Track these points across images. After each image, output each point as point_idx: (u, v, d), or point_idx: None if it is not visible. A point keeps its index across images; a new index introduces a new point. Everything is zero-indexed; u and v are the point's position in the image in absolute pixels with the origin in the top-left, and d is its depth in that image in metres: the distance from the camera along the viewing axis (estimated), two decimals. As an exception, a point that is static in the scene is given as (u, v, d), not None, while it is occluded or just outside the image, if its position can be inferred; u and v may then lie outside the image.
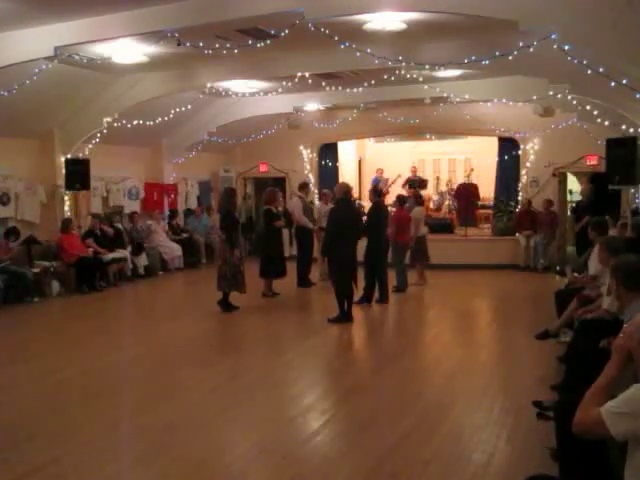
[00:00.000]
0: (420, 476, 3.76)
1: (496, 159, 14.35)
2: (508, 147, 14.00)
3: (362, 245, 8.93)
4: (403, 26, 7.62)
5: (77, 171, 11.17)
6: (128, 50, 8.42)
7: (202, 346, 7.26)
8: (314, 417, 4.84)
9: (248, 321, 8.52)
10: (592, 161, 12.75)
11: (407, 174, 15.72)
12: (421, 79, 10.50)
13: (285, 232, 11.97)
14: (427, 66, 8.95)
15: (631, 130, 10.00)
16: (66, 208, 11.48)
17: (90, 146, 11.54)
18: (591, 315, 5.15)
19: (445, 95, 11.32)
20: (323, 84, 11.00)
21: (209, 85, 10.84)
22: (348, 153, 16.99)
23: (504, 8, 6.38)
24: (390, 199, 13.06)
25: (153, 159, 13.99)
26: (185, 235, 13.90)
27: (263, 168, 15.74)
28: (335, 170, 15.62)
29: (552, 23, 6.33)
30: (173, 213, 14.20)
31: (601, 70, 6.81)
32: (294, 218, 11.02)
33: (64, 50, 7.86)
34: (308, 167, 15.38)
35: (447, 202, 15.78)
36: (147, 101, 10.70)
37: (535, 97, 10.88)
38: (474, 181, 14.96)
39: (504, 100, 11.87)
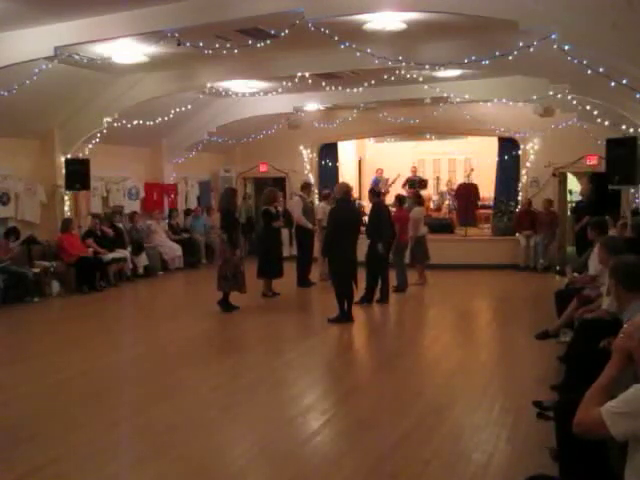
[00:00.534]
0: (420, 476, 3.76)
1: (496, 159, 14.34)
2: (508, 147, 13.99)
3: (362, 245, 8.93)
4: (403, 26, 7.63)
5: (77, 171, 11.16)
6: (128, 50, 8.43)
7: (202, 346, 7.26)
8: (314, 417, 4.84)
9: (248, 321, 8.52)
10: (592, 161, 12.75)
11: (407, 174, 15.71)
12: (421, 79, 10.50)
13: (285, 232, 11.98)
14: (427, 66, 8.96)
15: (631, 130, 10.01)
16: (66, 208, 11.48)
17: (90, 146, 11.55)
18: (591, 315, 5.13)
19: (445, 95, 11.33)
20: (323, 84, 11.00)
21: (209, 85, 10.83)
22: (348, 153, 16.98)
23: (504, 8, 6.39)
24: (390, 199, 13.04)
25: (153, 159, 14.00)
26: (185, 235, 13.91)
27: (263, 168, 15.75)
28: (335, 170, 15.62)
29: (552, 23, 6.34)
30: (173, 213, 14.20)
31: (601, 70, 6.82)
32: (294, 218, 11.03)
33: (64, 50, 7.87)
34: (308, 167, 15.38)
35: (447, 202, 15.79)
36: (147, 101, 10.71)
37: (535, 97, 10.89)
38: (474, 181, 14.93)
39: (504, 100, 11.89)
